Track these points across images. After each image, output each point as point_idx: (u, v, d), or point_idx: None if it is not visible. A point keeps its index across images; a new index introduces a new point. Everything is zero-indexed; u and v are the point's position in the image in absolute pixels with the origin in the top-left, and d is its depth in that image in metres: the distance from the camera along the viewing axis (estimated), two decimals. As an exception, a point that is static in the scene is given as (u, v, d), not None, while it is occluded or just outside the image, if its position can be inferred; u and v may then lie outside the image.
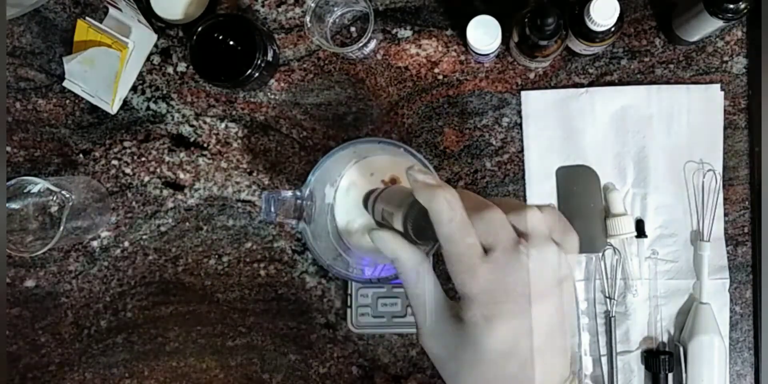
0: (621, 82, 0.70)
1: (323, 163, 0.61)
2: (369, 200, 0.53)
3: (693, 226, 0.70)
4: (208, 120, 0.74)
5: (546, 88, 0.70)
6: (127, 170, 0.74)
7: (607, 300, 0.69)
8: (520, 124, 0.71)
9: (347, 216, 0.69)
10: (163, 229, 0.74)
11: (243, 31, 0.67)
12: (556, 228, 0.43)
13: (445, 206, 0.41)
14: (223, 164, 0.73)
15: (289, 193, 0.61)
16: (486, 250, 0.41)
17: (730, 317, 0.69)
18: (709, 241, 0.68)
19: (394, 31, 0.72)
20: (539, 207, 0.43)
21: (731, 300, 0.69)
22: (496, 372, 0.41)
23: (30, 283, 0.75)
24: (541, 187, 0.70)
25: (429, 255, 0.58)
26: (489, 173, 0.71)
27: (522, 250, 0.41)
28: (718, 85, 0.69)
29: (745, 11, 0.58)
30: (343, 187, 0.69)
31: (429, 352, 0.44)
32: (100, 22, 0.72)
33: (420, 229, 0.44)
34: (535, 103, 0.70)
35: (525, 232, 0.42)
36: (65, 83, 0.74)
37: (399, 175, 0.68)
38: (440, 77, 0.71)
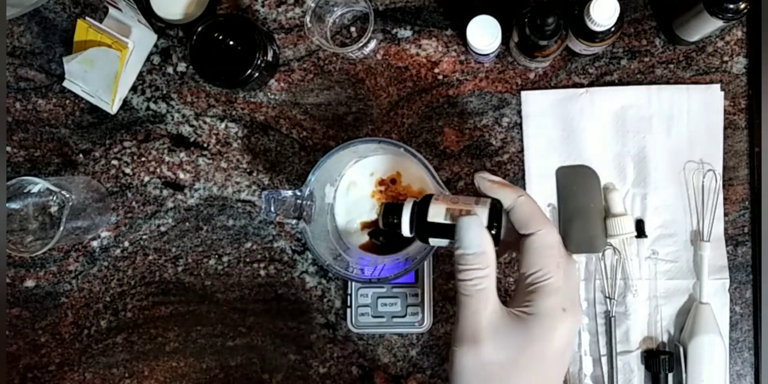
0: (621, 82, 0.70)
1: (323, 163, 0.61)
2: (413, 205, 0.52)
3: (693, 226, 0.70)
4: (208, 120, 0.74)
5: (546, 88, 0.70)
6: (127, 170, 0.74)
7: (607, 300, 0.69)
8: (520, 124, 0.71)
9: (347, 216, 0.69)
10: (163, 229, 0.74)
11: (243, 31, 0.67)
12: None
13: (534, 201, 0.46)
14: (223, 164, 0.73)
15: (289, 193, 0.61)
16: None
17: (730, 317, 0.69)
18: (709, 241, 0.68)
19: (394, 31, 0.72)
20: None
21: (731, 300, 0.69)
22: (557, 371, 0.44)
23: (30, 283, 0.75)
24: (541, 187, 0.70)
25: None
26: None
27: (574, 258, 0.47)
28: (718, 85, 0.69)
29: (745, 11, 0.58)
30: (343, 186, 0.69)
31: (477, 361, 0.42)
32: (100, 22, 0.72)
33: (500, 227, 0.46)
34: (535, 103, 0.70)
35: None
36: (65, 83, 0.74)
37: (399, 175, 0.68)
38: (440, 77, 0.71)
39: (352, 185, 0.69)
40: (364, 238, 0.69)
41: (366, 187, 0.69)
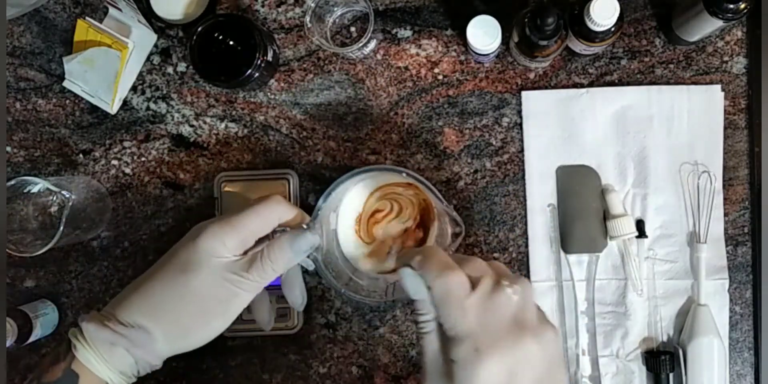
0: (621, 82, 0.70)
1: (329, 195, 0.62)
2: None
3: (691, 227, 0.69)
4: (208, 120, 0.74)
5: (546, 88, 0.70)
6: (127, 170, 0.74)
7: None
8: (520, 124, 0.71)
9: (351, 240, 0.70)
10: (163, 229, 0.74)
11: (243, 31, 0.67)
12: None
13: (435, 250, 0.45)
14: (223, 164, 0.73)
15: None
16: (473, 286, 0.43)
17: (730, 318, 0.69)
18: (705, 242, 0.68)
19: (394, 31, 0.72)
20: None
21: (731, 300, 0.69)
22: None
23: (30, 283, 0.75)
24: (541, 187, 0.70)
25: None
26: (489, 173, 0.71)
27: (505, 284, 0.43)
28: (719, 86, 0.69)
29: (745, 11, 0.58)
30: (344, 211, 0.69)
31: None
32: (100, 22, 0.72)
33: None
34: (535, 103, 0.70)
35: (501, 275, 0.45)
36: (65, 83, 0.74)
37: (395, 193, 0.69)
38: (440, 77, 0.71)
39: (353, 210, 0.69)
40: (370, 260, 0.69)
41: (365, 210, 0.69)
